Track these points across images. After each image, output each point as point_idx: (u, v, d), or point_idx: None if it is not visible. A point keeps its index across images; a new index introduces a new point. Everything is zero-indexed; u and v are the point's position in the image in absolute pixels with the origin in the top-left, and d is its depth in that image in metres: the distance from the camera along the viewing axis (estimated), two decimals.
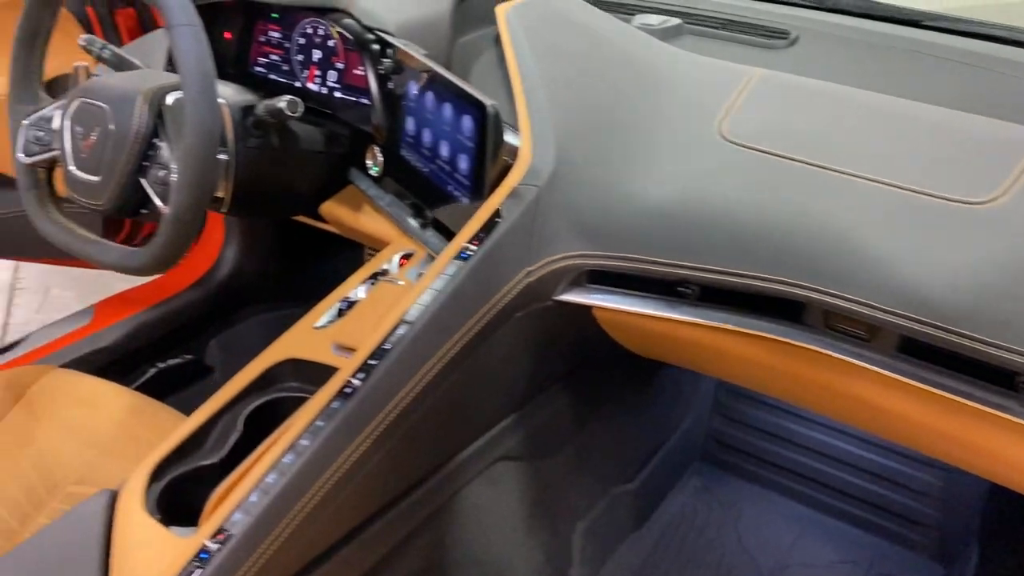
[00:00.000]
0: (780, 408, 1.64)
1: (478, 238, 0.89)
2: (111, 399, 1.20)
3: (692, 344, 0.93)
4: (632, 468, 1.49)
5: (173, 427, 1.16)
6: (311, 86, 1.23)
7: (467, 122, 0.95)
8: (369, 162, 1.17)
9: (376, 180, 1.17)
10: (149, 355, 1.49)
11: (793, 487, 1.64)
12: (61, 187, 1.07)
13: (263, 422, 0.92)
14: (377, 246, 1.16)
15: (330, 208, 1.21)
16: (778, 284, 0.83)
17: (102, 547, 0.79)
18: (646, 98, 0.98)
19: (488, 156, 0.92)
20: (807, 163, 0.86)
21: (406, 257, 1.08)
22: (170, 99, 1.01)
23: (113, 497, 0.84)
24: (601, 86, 1.01)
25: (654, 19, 1.20)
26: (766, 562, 1.51)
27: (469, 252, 0.88)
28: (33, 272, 2.39)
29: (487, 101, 0.91)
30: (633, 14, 1.24)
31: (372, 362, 0.82)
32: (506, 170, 0.95)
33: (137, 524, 0.80)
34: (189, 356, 1.54)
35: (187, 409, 1.42)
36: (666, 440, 1.58)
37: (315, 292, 1.75)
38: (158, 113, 1.00)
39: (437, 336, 0.85)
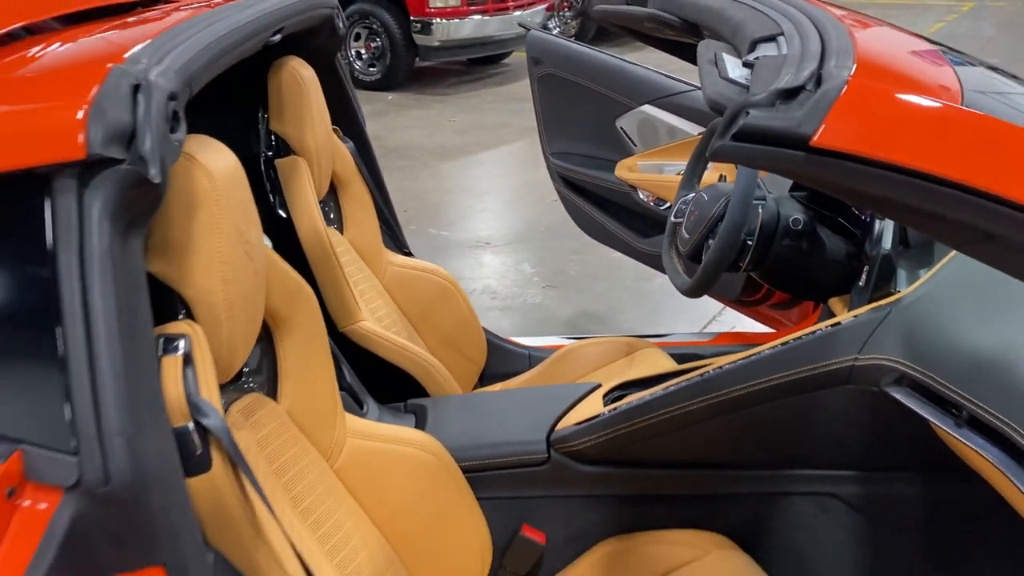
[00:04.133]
0: None
1: (832, 326, 1.34)
2: (658, 366, 1.95)
3: None
4: None
5: None
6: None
7: None
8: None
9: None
10: None
11: None
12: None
13: None
14: None
15: (833, 301, 1.71)
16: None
17: (576, 398, 1.57)
18: None
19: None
20: None
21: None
22: None
23: (598, 387, 1.61)
24: None
25: None
26: None
27: (818, 332, 1.35)
28: None
29: None
30: None
31: (727, 366, 1.38)
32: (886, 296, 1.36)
33: (593, 398, 1.56)
34: None
35: None
36: None
37: None
38: None
39: (765, 366, 1.35)
